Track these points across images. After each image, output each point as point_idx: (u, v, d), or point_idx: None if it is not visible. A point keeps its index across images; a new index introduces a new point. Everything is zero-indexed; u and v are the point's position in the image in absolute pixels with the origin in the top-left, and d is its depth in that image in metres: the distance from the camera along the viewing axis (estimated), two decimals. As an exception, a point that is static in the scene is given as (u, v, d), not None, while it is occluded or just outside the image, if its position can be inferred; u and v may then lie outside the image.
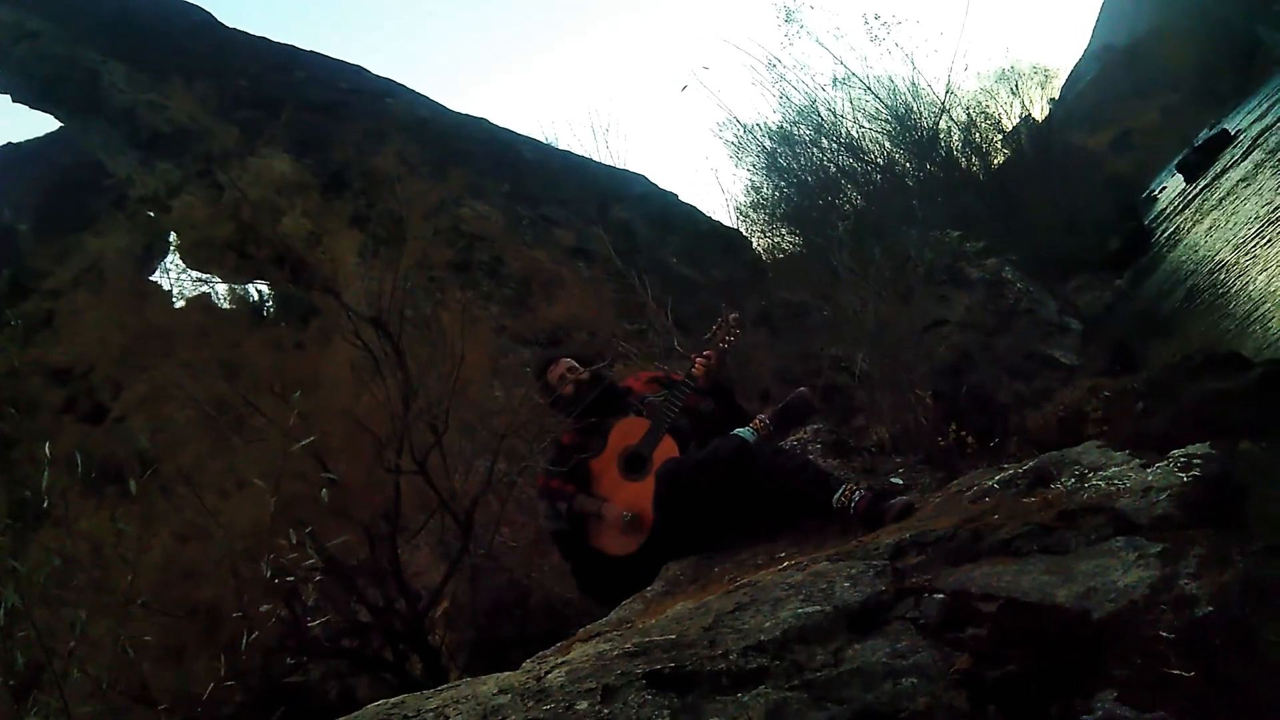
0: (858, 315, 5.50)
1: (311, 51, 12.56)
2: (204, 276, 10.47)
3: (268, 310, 10.42)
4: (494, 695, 1.55)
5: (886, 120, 13.10)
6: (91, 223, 10.93)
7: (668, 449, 3.03)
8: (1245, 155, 9.92)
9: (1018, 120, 16.49)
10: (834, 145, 12.82)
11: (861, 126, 13.24)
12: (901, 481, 3.25)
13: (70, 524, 3.16)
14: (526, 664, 1.84)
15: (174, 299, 10.59)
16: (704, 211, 12.75)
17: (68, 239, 10.92)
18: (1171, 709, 1.19)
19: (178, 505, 3.83)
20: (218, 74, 10.77)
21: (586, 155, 13.42)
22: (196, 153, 10.17)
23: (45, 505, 2.71)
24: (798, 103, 13.42)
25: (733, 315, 3.43)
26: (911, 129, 12.89)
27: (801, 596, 1.76)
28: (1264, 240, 6.51)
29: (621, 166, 13.27)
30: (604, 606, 2.85)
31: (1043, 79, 20.40)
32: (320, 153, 10.28)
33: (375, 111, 11.23)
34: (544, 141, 13.54)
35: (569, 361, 3.56)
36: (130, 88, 10.57)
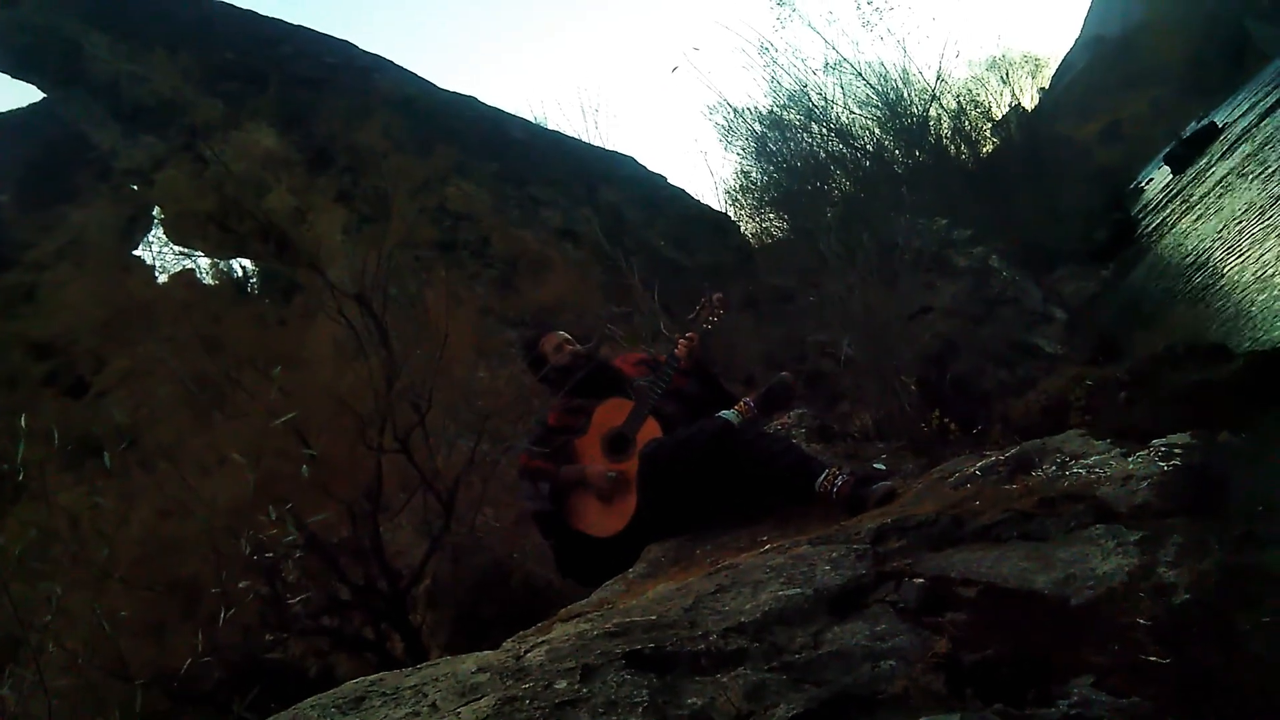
0: (844, 301, 5.51)
1: (298, 25, 12.42)
2: (187, 251, 10.38)
3: (251, 286, 10.35)
4: (473, 673, 1.55)
5: (877, 106, 13.10)
6: (74, 195, 10.80)
7: (651, 430, 3.02)
8: (1232, 149, 9.97)
9: (1008, 109, 16.54)
10: (824, 131, 12.81)
11: (852, 112, 13.24)
12: (884, 467, 3.26)
13: (49, 497, 3.14)
14: (507, 643, 1.84)
15: (157, 274, 10.51)
16: (692, 195, 12.74)
17: (50, 211, 10.78)
18: (1147, 696, 1.19)
19: (159, 480, 3.80)
20: (202, 46, 10.63)
21: (575, 136, 13.39)
22: (180, 125, 10.05)
23: (21, 478, 2.68)
24: (788, 87, 13.40)
25: (717, 296, 3.41)
26: (902, 116, 12.89)
27: (782, 579, 1.76)
28: (1249, 233, 6.55)
29: (610, 148, 13.25)
30: (585, 588, 2.85)
31: (1033, 68, 20.49)
32: (305, 128, 10.18)
33: (362, 87, 11.11)
34: (533, 121, 13.50)
35: (563, 334, 3.53)
36: (113, 58, 10.42)
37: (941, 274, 7.89)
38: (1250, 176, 8.16)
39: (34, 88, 11.53)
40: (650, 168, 13.22)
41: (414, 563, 3.89)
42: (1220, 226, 7.46)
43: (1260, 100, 11.08)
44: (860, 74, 13.21)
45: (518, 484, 3.32)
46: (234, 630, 3.07)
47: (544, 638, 1.72)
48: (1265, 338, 4.74)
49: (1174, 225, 9.33)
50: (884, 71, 13.30)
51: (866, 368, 5.06)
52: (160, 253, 10.76)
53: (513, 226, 9.93)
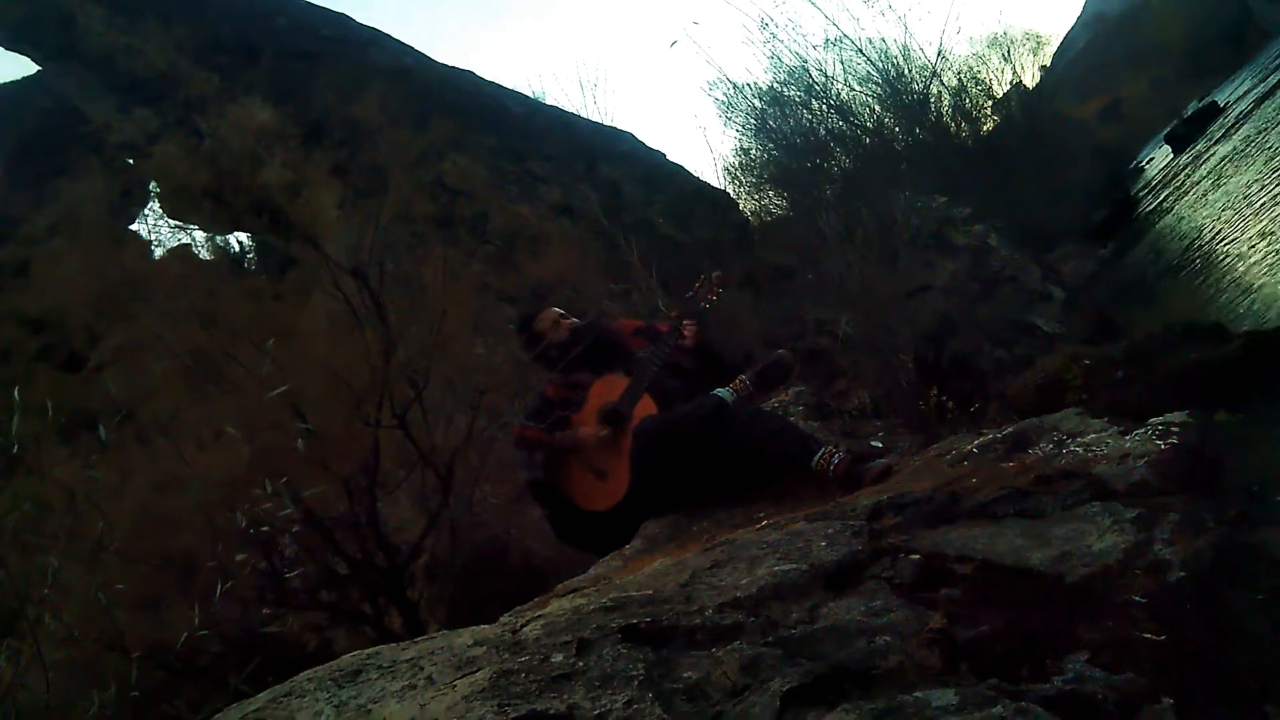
0: (843, 279, 5.50)
1: (294, -3, 12.29)
2: (183, 226, 10.34)
3: (247, 261, 10.31)
4: (469, 647, 1.55)
5: (877, 83, 13.01)
6: (68, 169, 10.73)
7: (646, 407, 3.01)
8: (1234, 128, 9.93)
9: (1008, 87, 16.44)
10: (824, 107, 12.72)
11: (852, 89, 13.14)
12: (881, 445, 3.26)
13: (44, 471, 3.14)
14: (504, 618, 1.84)
15: (153, 248, 10.47)
16: (692, 172, 12.66)
17: (44, 186, 10.72)
18: (1142, 672, 1.19)
19: (155, 455, 3.80)
20: (197, 19, 10.53)
21: (574, 111, 13.29)
22: (175, 99, 9.98)
23: (15, 451, 2.68)
24: (788, 63, 13.29)
25: (715, 274, 3.39)
26: (902, 93, 12.81)
27: (778, 555, 1.77)
28: (1249, 213, 6.53)
29: (609, 123, 13.16)
30: (582, 553, 2.86)
31: (1035, 45, 20.34)
32: (301, 101, 10.10)
33: (358, 61, 11.01)
34: (531, 96, 13.39)
35: (558, 310, 3.51)
36: (107, 31, 10.32)
37: (940, 252, 7.87)
38: (1250, 157, 8.14)
39: (28, 60, 11.42)
40: (649, 144, 13.14)
41: (412, 538, 3.89)
42: (1220, 207, 7.44)
43: (1260, 81, 11.04)
44: (861, 50, 13.12)
45: (516, 454, 3.32)
46: (231, 604, 3.08)
47: (540, 612, 1.72)
48: (1263, 318, 4.74)
49: (1173, 205, 9.31)
50: (885, 48, 13.21)
51: (864, 345, 5.07)
52: (155, 226, 10.72)
53: (510, 202, 9.88)
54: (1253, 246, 5.84)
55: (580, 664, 1.37)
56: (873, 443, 3.33)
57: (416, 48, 12.76)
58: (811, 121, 12.55)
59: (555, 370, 3.32)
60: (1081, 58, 23.52)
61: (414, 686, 1.44)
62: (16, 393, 2.66)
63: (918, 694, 1.18)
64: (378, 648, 1.69)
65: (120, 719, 2.72)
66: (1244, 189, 7.24)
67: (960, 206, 9.02)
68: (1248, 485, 1.78)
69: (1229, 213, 7.02)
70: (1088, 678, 1.20)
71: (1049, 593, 1.47)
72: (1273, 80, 10.42)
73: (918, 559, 1.64)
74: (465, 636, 1.64)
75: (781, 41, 13.33)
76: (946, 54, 13.84)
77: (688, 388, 3.08)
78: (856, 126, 12.65)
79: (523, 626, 1.61)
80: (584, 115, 13.18)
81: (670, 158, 12.66)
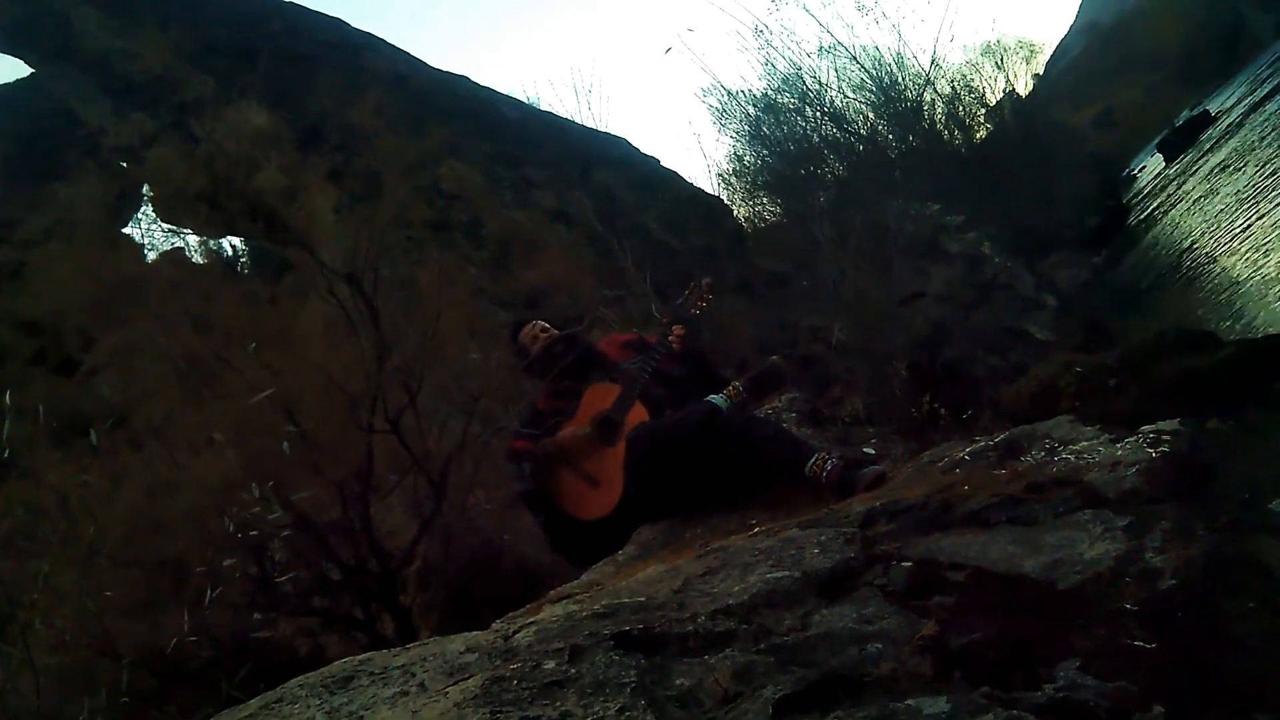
0: (836, 286, 5.52)
1: (289, 2, 12.29)
2: (176, 229, 10.30)
3: (242, 265, 10.29)
4: (461, 653, 1.55)
5: (871, 91, 13.06)
6: (63, 172, 10.68)
7: (639, 415, 3.01)
8: (1226, 137, 9.98)
9: (1002, 94, 16.51)
10: (818, 114, 12.77)
11: (846, 96, 13.20)
12: (874, 451, 3.26)
13: (37, 475, 3.13)
14: (496, 624, 1.84)
15: (146, 251, 10.43)
16: (686, 178, 12.68)
17: (39, 188, 10.67)
18: (1133, 680, 1.20)
19: (148, 459, 3.79)
20: (193, 22, 10.51)
21: (569, 117, 13.32)
22: (171, 102, 9.95)
23: (6, 455, 2.67)
24: (783, 70, 13.36)
25: (706, 280, 3.40)
26: (895, 100, 12.86)
27: (771, 562, 1.76)
28: (1240, 222, 6.56)
29: (603, 130, 13.19)
30: (576, 566, 2.85)
31: (1028, 53, 20.40)
32: (297, 106, 10.10)
33: (354, 66, 11.01)
34: (526, 102, 13.43)
35: (542, 323, 3.52)
36: (103, 34, 10.30)
37: (934, 259, 7.89)
38: (1242, 166, 8.18)
39: (22, 63, 11.39)
40: (644, 150, 13.18)
41: (405, 543, 3.88)
42: (1211, 215, 7.47)
43: (1252, 90, 11.10)
44: (855, 58, 13.18)
45: (507, 467, 3.32)
46: (222, 609, 3.07)
47: (533, 619, 1.72)
48: (1255, 326, 4.76)
49: (1166, 213, 9.35)
50: (878, 56, 13.28)
51: (858, 352, 5.08)
52: (149, 230, 10.69)
53: (505, 208, 9.88)
54: (1244, 255, 5.86)
55: (573, 671, 1.37)
56: (866, 449, 3.33)
57: (411, 53, 12.78)
58: (805, 128, 12.60)
59: (545, 381, 3.32)
60: (1075, 65, 23.63)
61: (406, 693, 1.44)
62: (9, 396, 2.65)
63: (910, 702, 1.18)
64: (370, 654, 1.69)
65: (111, 725, 2.71)
66: (1235, 197, 7.27)
67: (954, 214, 9.05)
68: (1239, 493, 1.79)
69: (1220, 221, 7.05)
70: (1080, 685, 1.20)
71: (1041, 600, 1.47)
72: (1264, 89, 10.48)
73: (910, 566, 1.65)
74: (457, 643, 1.63)
75: (775, 49, 13.41)
76: (940, 62, 13.95)
77: (678, 394, 3.08)
78: (850, 134, 12.70)
79: (515, 633, 1.61)
80: (578, 121, 13.23)
81: (664, 164, 12.69)
